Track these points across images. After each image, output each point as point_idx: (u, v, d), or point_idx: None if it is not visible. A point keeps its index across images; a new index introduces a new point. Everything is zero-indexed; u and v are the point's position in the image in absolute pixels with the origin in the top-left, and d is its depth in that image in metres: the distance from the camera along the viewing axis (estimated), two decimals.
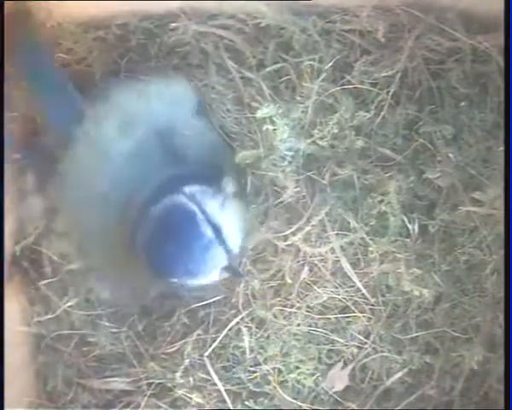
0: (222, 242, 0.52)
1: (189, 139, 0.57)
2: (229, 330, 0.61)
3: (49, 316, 0.63)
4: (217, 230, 0.52)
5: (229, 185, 0.55)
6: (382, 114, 0.59)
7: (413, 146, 0.59)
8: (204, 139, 0.58)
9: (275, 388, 0.61)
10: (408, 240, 0.59)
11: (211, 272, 0.53)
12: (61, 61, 0.61)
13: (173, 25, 0.60)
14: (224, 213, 0.53)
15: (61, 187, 0.57)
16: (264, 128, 0.58)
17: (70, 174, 0.56)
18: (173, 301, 0.62)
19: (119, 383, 0.63)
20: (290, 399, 0.61)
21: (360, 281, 0.60)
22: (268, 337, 0.61)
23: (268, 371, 0.61)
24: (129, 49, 0.61)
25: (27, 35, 0.56)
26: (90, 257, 0.60)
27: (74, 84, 0.58)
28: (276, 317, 0.61)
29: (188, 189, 0.52)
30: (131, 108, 0.56)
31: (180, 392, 0.61)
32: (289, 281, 0.60)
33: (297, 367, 0.61)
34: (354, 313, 0.61)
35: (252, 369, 0.62)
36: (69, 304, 0.63)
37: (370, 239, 0.59)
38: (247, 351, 0.61)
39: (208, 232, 0.51)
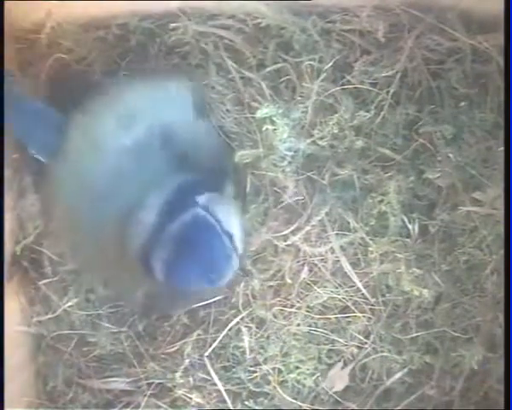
0: (235, 247, 0.52)
1: (192, 141, 0.56)
2: (229, 330, 0.61)
3: (49, 316, 0.63)
4: (230, 236, 0.52)
5: (231, 189, 0.55)
6: (382, 114, 0.59)
7: (413, 146, 0.59)
8: (206, 140, 0.58)
9: (275, 388, 0.61)
10: (408, 240, 0.59)
11: (228, 277, 0.53)
12: (61, 61, 0.61)
13: (173, 25, 0.60)
14: (232, 218, 0.53)
15: (56, 190, 0.56)
16: (264, 128, 0.58)
17: (65, 178, 0.55)
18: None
19: (119, 383, 0.63)
20: (290, 399, 0.61)
21: (360, 281, 0.60)
22: (268, 337, 0.61)
23: (268, 371, 0.61)
24: (129, 49, 0.61)
25: None
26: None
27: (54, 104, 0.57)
28: (276, 317, 0.61)
29: (200, 199, 0.52)
30: (130, 107, 0.55)
31: (180, 392, 0.61)
32: (289, 281, 0.60)
33: (297, 367, 0.61)
34: (354, 313, 0.61)
35: (252, 369, 0.62)
36: (69, 304, 0.63)
37: (370, 239, 0.59)
38: (247, 351, 0.61)
39: (226, 241, 0.51)
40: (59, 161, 0.55)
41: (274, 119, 0.57)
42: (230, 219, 0.52)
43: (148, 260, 0.52)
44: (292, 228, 0.59)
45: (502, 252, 0.58)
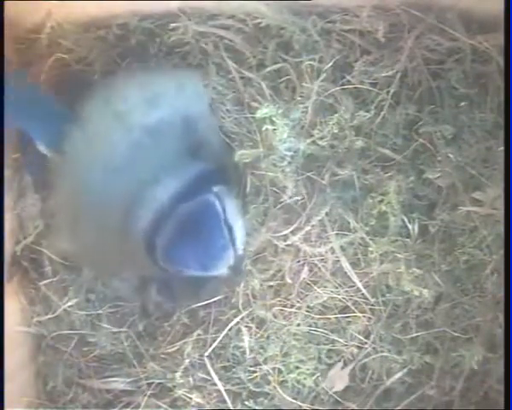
0: (233, 242, 0.54)
1: (210, 132, 0.58)
2: (229, 330, 0.61)
3: (49, 316, 0.63)
4: (230, 229, 0.54)
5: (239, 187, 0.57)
6: (382, 114, 0.59)
7: (413, 146, 0.59)
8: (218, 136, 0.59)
9: (275, 388, 0.61)
10: (408, 240, 0.59)
11: (221, 269, 0.54)
12: (61, 61, 0.61)
13: (173, 25, 0.60)
14: (236, 214, 0.55)
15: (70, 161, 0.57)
16: (264, 128, 0.58)
17: (80, 149, 0.56)
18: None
19: (119, 383, 0.63)
20: (290, 399, 0.61)
21: (360, 281, 0.60)
22: (268, 337, 0.61)
23: (268, 371, 0.61)
24: (129, 49, 0.61)
25: None
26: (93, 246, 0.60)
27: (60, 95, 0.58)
28: (276, 317, 0.61)
29: (216, 188, 0.54)
30: (156, 88, 0.56)
31: (180, 392, 0.61)
32: (289, 281, 0.60)
33: (297, 367, 0.61)
34: (354, 313, 0.61)
35: (252, 369, 0.61)
36: (69, 304, 0.63)
37: (370, 239, 0.59)
38: (247, 351, 0.61)
39: (226, 233, 0.53)
40: (75, 133, 0.56)
41: (274, 119, 0.57)
42: (235, 215, 0.55)
43: (152, 238, 0.53)
44: (292, 228, 0.59)
45: (502, 252, 0.58)
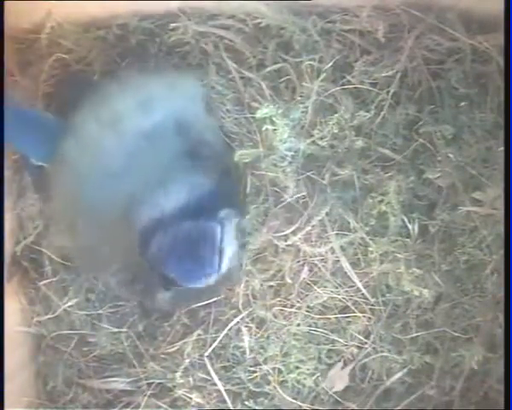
0: (219, 268, 0.54)
1: (205, 134, 0.57)
2: (229, 330, 0.61)
3: (49, 316, 0.63)
4: (221, 254, 0.53)
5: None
6: (382, 114, 0.59)
7: (413, 146, 0.59)
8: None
9: (275, 388, 0.61)
10: (408, 240, 0.59)
11: (206, 282, 0.54)
12: (61, 61, 0.61)
13: (173, 25, 0.60)
14: (232, 238, 0.55)
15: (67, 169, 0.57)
16: (264, 128, 0.58)
17: (77, 157, 0.56)
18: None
19: (119, 383, 0.63)
20: (290, 399, 0.61)
21: (360, 281, 0.60)
22: (268, 337, 0.61)
23: (268, 371, 0.61)
24: (129, 49, 0.61)
25: None
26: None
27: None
28: (276, 317, 0.61)
29: (222, 213, 0.54)
30: (148, 93, 0.56)
31: (180, 392, 0.61)
32: (289, 281, 0.60)
33: (297, 367, 0.61)
34: (354, 313, 0.61)
35: (252, 369, 0.62)
36: (69, 304, 0.63)
37: (370, 239, 0.59)
38: (247, 351, 0.61)
39: (216, 261, 0.53)
40: (70, 140, 0.55)
41: (274, 119, 0.57)
42: (232, 239, 0.55)
43: (148, 239, 0.53)
44: (292, 228, 0.59)
45: (502, 252, 0.58)
